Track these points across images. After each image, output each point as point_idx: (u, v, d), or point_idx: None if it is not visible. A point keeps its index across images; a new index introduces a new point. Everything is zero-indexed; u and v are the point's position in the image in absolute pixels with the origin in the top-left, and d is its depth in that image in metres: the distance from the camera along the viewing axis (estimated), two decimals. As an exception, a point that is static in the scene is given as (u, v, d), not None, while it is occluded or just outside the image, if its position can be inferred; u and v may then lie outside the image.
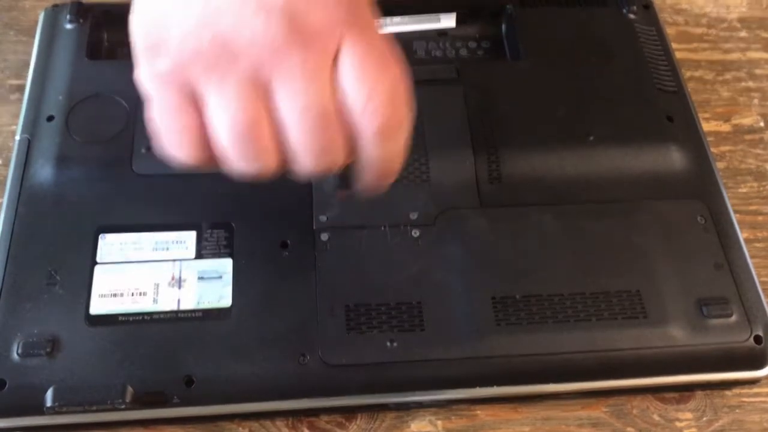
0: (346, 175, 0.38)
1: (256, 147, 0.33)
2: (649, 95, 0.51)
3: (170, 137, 0.34)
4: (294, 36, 0.31)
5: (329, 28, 0.32)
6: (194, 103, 0.33)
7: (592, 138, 0.48)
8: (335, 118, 0.33)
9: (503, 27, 0.55)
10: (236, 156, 0.33)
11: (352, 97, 0.33)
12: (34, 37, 0.51)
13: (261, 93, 0.32)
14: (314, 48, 0.32)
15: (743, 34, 0.61)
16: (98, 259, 0.42)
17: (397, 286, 0.42)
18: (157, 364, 0.39)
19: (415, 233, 0.44)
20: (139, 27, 0.33)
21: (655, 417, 0.43)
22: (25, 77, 0.49)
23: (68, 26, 0.51)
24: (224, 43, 0.32)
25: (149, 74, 0.33)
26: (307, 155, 0.34)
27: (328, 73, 0.32)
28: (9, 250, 0.42)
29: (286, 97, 0.32)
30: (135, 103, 0.47)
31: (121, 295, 0.41)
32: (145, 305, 0.41)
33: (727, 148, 0.54)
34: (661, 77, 0.52)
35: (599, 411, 0.43)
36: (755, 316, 0.43)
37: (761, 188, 0.52)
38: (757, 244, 0.49)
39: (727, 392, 0.44)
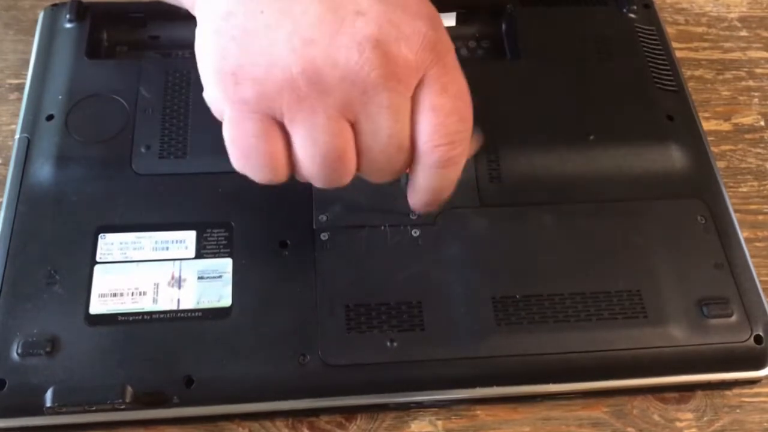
0: None
1: (340, 171, 0.34)
2: (650, 94, 0.51)
3: (249, 161, 0.34)
4: (385, 74, 0.31)
5: (417, 63, 0.32)
6: (277, 130, 0.33)
7: (592, 137, 0.48)
8: (409, 145, 0.34)
9: (503, 26, 0.55)
10: (318, 175, 0.35)
11: (420, 130, 0.34)
12: (33, 36, 0.51)
13: (347, 124, 0.33)
14: (401, 85, 0.32)
15: (743, 33, 0.61)
16: (98, 259, 0.42)
17: (397, 286, 0.42)
18: (156, 364, 0.39)
19: (415, 233, 0.44)
20: (212, 47, 0.32)
21: (656, 417, 0.43)
22: (24, 76, 0.49)
23: (68, 25, 0.50)
24: (315, 77, 0.31)
25: (227, 99, 0.33)
26: (379, 173, 0.36)
27: (409, 107, 0.33)
28: (8, 249, 0.42)
29: (370, 130, 0.33)
30: (134, 102, 0.47)
31: (121, 294, 0.41)
32: (144, 305, 0.41)
33: (727, 147, 0.54)
34: (661, 76, 0.52)
35: (599, 411, 0.43)
36: (755, 316, 0.43)
37: (761, 187, 0.52)
38: (758, 244, 0.49)
39: (728, 392, 0.44)
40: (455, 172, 0.36)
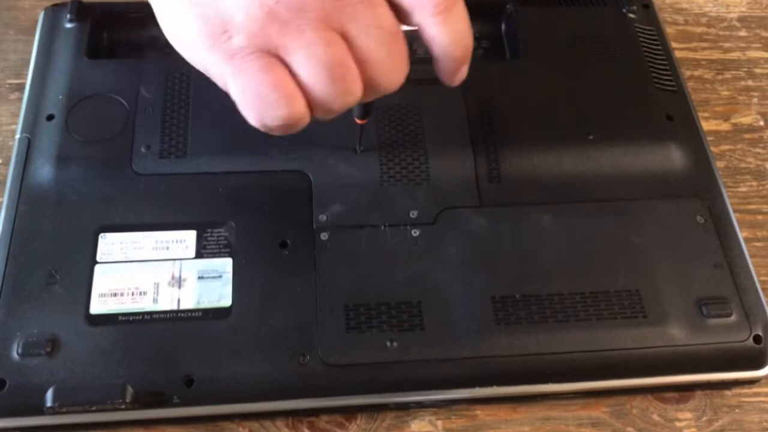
0: (368, 104, 0.42)
1: (347, 80, 0.35)
2: (649, 94, 0.51)
3: (264, 99, 0.34)
4: None
5: None
6: (278, 62, 0.34)
7: (591, 137, 0.48)
8: (399, 29, 0.35)
9: (503, 26, 0.55)
10: (330, 95, 0.35)
11: None
12: (34, 36, 0.51)
13: (336, 32, 0.34)
14: None
15: (743, 33, 0.61)
16: (98, 259, 0.42)
17: (397, 285, 0.42)
18: (157, 363, 0.39)
19: (415, 232, 0.44)
20: (189, 20, 0.34)
21: (655, 417, 0.43)
22: (24, 76, 0.49)
23: (68, 25, 0.51)
24: (289, 1, 0.33)
25: (226, 56, 0.34)
26: (386, 73, 0.35)
27: None
28: (9, 249, 0.42)
29: (358, 28, 0.34)
30: (135, 102, 0.47)
31: (121, 294, 0.41)
32: (145, 305, 0.41)
33: (726, 147, 0.54)
34: (660, 76, 0.52)
35: (599, 411, 0.43)
36: (755, 316, 0.43)
37: (761, 187, 0.52)
38: (757, 244, 0.49)
39: (727, 392, 0.44)
40: (459, 19, 0.36)
